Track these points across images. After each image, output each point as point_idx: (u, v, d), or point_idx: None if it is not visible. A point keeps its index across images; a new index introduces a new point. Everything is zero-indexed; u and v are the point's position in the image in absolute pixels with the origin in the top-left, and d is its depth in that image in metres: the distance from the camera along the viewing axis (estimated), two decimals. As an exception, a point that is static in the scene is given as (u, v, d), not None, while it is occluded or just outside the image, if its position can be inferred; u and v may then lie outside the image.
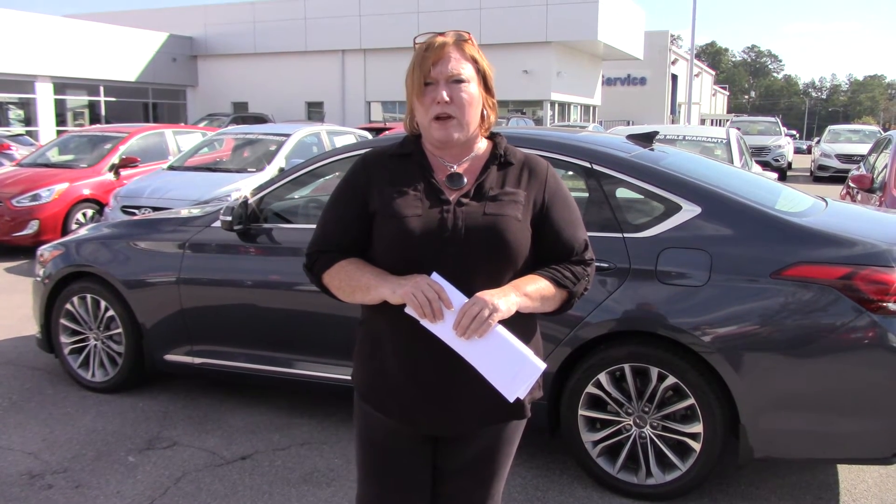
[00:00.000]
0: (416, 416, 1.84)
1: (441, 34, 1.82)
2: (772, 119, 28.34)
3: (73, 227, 9.24)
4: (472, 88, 1.80)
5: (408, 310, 1.69)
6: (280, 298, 3.98)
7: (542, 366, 1.73)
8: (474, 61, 1.82)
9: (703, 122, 47.56)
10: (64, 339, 4.71)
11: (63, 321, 4.69)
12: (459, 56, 1.79)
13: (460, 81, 1.78)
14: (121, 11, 34.60)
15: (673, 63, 45.16)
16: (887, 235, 3.27)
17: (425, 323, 1.68)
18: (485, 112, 1.85)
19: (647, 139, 3.98)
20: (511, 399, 1.73)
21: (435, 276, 1.70)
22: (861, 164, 10.04)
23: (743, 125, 26.03)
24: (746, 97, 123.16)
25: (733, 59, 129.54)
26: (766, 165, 18.46)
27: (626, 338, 3.32)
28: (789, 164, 25.42)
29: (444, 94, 1.76)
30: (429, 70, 1.77)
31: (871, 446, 3.09)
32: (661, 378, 3.24)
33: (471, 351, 1.69)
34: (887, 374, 3.00)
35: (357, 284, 1.79)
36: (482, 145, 1.90)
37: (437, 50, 1.78)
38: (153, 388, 4.67)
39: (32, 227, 9.14)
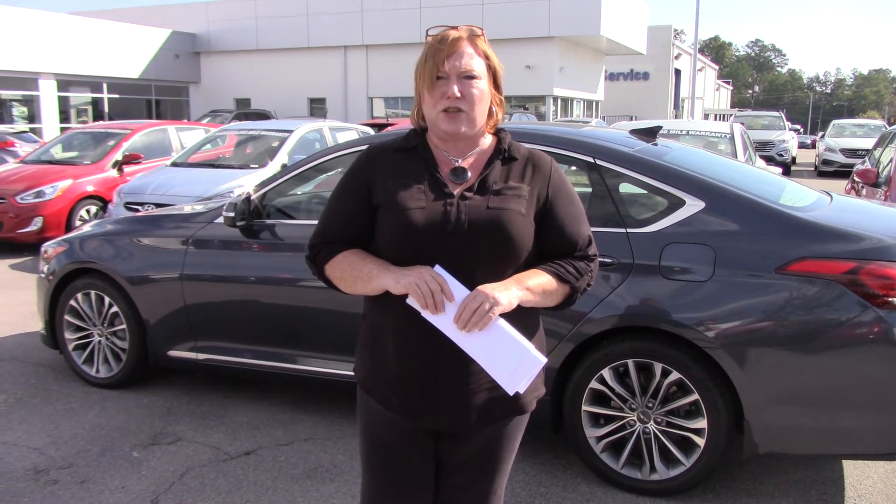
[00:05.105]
0: (418, 410, 1.83)
1: (454, 28, 1.81)
2: (776, 113, 28.24)
3: (77, 223, 9.25)
4: (483, 85, 1.80)
5: (410, 301, 1.69)
6: (283, 294, 3.98)
7: (543, 359, 1.73)
8: (486, 57, 1.82)
9: (706, 116, 47.40)
10: (68, 335, 4.72)
11: (67, 317, 4.70)
12: (472, 51, 1.79)
13: (472, 77, 1.77)
14: (124, 8, 34.52)
15: (676, 58, 45.00)
16: (893, 230, 3.26)
17: (426, 315, 1.68)
18: (493, 108, 1.85)
19: (650, 134, 3.97)
20: (511, 392, 1.73)
21: (437, 268, 1.70)
22: (866, 158, 10.01)
23: (747, 120, 25.89)
24: (750, 92, 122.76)
25: (737, 54, 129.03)
26: (770, 160, 18.35)
27: (630, 333, 3.31)
28: (793, 159, 25.31)
29: (456, 89, 1.76)
30: (442, 63, 1.77)
31: (876, 442, 3.08)
32: (665, 374, 3.23)
33: (471, 344, 1.69)
34: (893, 369, 2.98)
35: (359, 274, 1.79)
36: (487, 140, 1.89)
37: (452, 44, 1.77)
38: (157, 384, 4.68)
39: (36, 224, 9.16)
